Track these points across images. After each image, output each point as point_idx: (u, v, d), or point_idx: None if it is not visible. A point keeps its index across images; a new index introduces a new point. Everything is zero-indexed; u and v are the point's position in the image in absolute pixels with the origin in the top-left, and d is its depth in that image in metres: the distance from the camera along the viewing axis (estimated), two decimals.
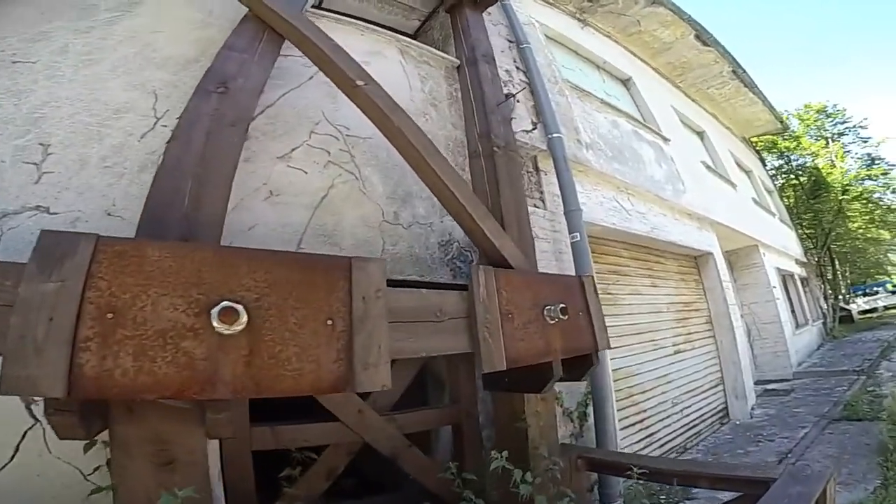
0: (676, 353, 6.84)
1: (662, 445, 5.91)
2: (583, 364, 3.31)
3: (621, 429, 5.32)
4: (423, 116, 3.86)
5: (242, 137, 2.75)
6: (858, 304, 26.78)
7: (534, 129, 5.20)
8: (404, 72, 4.08)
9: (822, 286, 19.57)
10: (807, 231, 20.05)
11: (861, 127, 22.11)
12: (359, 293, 2.13)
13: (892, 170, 21.29)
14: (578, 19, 8.39)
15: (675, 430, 6.21)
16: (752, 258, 11.41)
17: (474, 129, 4.13)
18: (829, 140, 22.10)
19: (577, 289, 3.36)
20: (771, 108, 15.23)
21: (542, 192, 5.11)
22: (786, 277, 14.23)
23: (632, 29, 9.53)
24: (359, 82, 2.98)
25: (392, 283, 2.34)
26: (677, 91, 11.48)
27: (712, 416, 7.25)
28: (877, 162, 21.27)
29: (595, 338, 3.25)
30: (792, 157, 21.62)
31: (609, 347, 3.45)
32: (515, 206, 3.72)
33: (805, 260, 17.36)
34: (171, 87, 3.08)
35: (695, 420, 6.71)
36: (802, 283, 16.32)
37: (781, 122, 17.21)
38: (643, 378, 5.98)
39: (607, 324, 5.46)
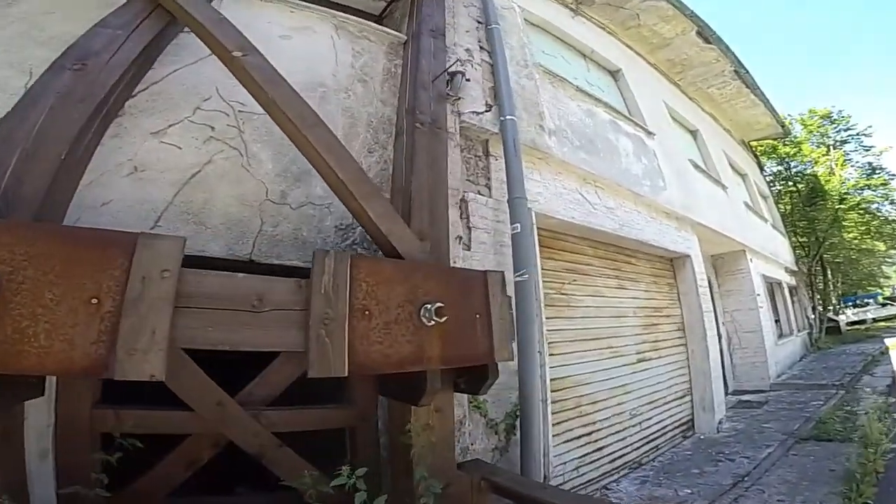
0: (640, 361, 6.36)
1: (613, 461, 5.44)
2: (483, 375, 2.83)
3: (565, 441, 4.90)
4: (345, 92, 3.55)
5: (91, 114, 2.44)
6: (847, 316, 26.38)
7: (487, 111, 4.74)
8: (333, 47, 3.74)
9: (812, 296, 19.06)
10: (800, 239, 19.51)
11: (865, 135, 21.57)
12: (139, 272, 1.86)
13: (892, 180, 20.78)
14: (570, 8, 7.88)
15: (630, 444, 5.74)
16: (738, 264, 10.92)
17: (403, 104, 3.70)
18: (831, 147, 21.49)
19: (479, 287, 2.83)
20: (773, 112, 14.69)
21: (489, 179, 4.62)
22: (773, 285, 13.75)
23: (630, 23, 9.11)
24: (236, 53, 2.70)
25: (266, 268, 2.20)
26: (673, 88, 10.94)
27: (675, 428, 6.78)
28: (877, 171, 20.73)
29: (492, 347, 2.74)
30: (791, 164, 21.07)
31: (510, 359, 2.93)
32: (432, 189, 3.26)
33: (796, 268, 16.84)
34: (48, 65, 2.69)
35: (654, 433, 6.25)
36: (791, 292, 15.82)
37: (783, 126, 16.65)
38: (596, 388, 5.49)
39: (557, 327, 5.15)
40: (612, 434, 5.54)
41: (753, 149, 17.97)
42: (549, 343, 4.85)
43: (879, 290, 29.18)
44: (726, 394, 9.92)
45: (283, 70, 2.81)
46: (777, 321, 13.38)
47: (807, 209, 18.94)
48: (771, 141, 19.61)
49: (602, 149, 6.20)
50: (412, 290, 2.51)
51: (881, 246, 23.05)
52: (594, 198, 5.81)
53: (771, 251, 13.22)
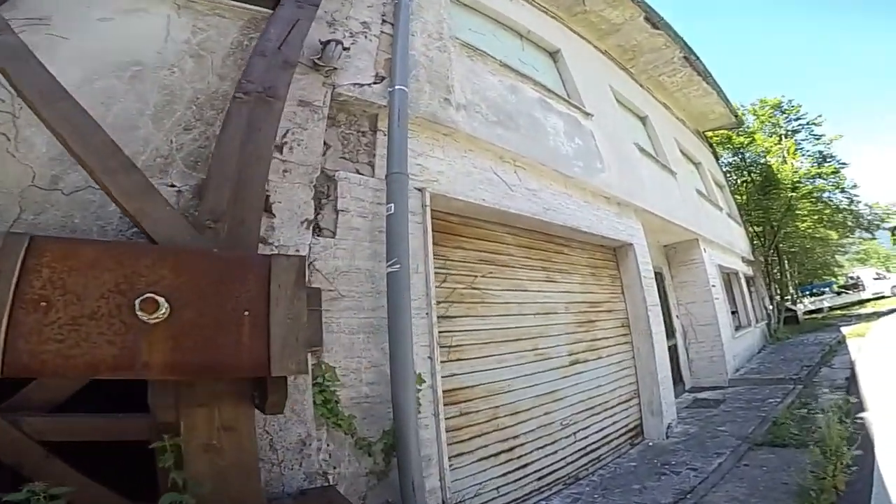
0: (574, 363, 5.61)
1: (542, 478, 4.68)
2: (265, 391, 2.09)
3: (479, 460, 4.17)
4: (168, 69, 3.02)
5: None
6: (805, 305, 26.47)
7: (376, 82, 4.00)
8: (167, 26, 3.18)
9: (769, 286, 18.81)
10: (756, 229, 19.28)
11: (815, 124, 21.44)
12: None
13: (842, 168, 20.74)
14: None
15: (563, 458, 4.99)
16: (691, 253, 10.34)
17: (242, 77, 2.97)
18: (783, 137, 21.34)
19: (253, 277, 2.06)
20: (726, 101, 14.45)
21: (372, 157, 3.84)
22: (730, 276, 13.29)
23: (576, 8, 8.66)
24: None
25: None
26: (624, 74, 10.36)
27: (621, 436, 6.07)
28: (828, 160, 20.65)
29: (269, 354, 1.97)
30: (746, 154, 20.84)
31: (301, 371, 2.15)
32: (243, 164, 2.54)
33: (752, 258, 16.52)
34: None
35: (595, 443, 5.51)
36: (748, 282, 15.43)
37: (736, 115, 16.40)
38: (518, 396, 4.71)
39: (466, 327, 4.32)
40: (540, 448, 4.79)
41: (709, 139, 17.67)
42: (454, 346, 4.18)
43: (834, 279, 29.37)
44: (684, 391, 9.38)
45: (95, 52, 2.68)
46: (734, 313, 12.91)
47: (761, 198, 18.68)
48: (726, 132, 19.44)
49: (525, 126, 5.45)
50: (128, 278, 1.79)
51: (833, 235, 23.01)
52: (512, 178, 5.05)
53: (727, 241, 12.75)
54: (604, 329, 6.35)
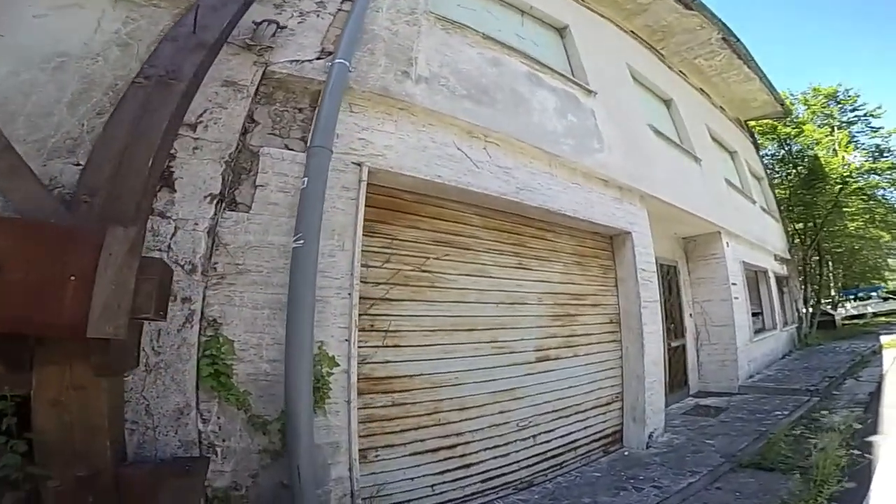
0: (542, 360, 5.18)
1: (488, 479, 4.33)
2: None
3: (413, 454, 3.93)
4: (92, 59, 3.00)
5: None
6: (847, 309, 24.93)
7: (319, 58, 3.78)
8: (99, 18, 3.14)
9: (805, 287, 17.60)
10: (796, 226, 17.98)
11: (873, 115, 19.62)
12: None
13: None
14: None
15: (517, 461, 4.62)
16: (711, 247, 9.62)
17: None
18: (835, 128, 19.68)
19: (83, 246, 2.15)
20: (770, 88, 13.29)
21: (307, 132, 3.57)
22: (757, 274, 12.41)
23: None
24: None
25: None
26: (649, 54, 9.55)
27: (594, 442, 5.63)
28: (885, 154, 18.90)
29: (86, 316, 2.03)
30: (792, 146, 19.36)
31: (121, 336, 2.09)
32: (133, 143, 2.57)
33: (788, 257, 15.43)
34: None
35: (559, 448, 5.11)
36: (780, 282, 14.45)
37: (782, 104, 15.15)
38: (469, 390, 4.35)
39: (410, 312, 4.25)
40: (490, 448, 4.45)
41: (750, 128, 16.50)
42: (392, 332, 3.97)
43: (883, 284, 27.46)
44: (687, 395, 8.83)
45: (26, 47, 2.78)
46: (758, 314, 12.07)
47: (804, 193, 17.34)
48: (771, 121, 18.16)
49: (504, 100, 4.98)
50: None
51: (886, 236, 21.25)
52: (479, 154, 4.61)
53: (757, 236, 11.85)
54: (586, 324, 5.86)
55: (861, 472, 4.48)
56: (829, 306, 22.83)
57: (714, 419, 7.10)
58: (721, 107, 13.13)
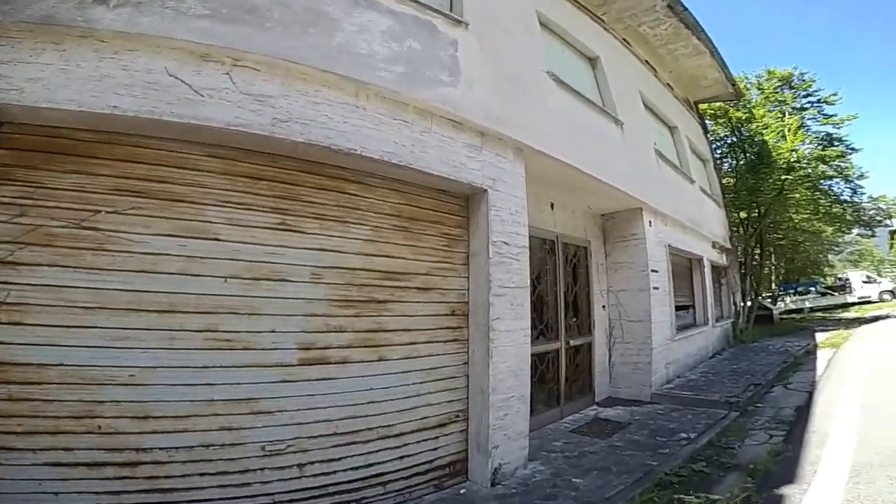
0: (308, 363, 3.34)
1: None
2: None
3: (54, 465, 2.62)
4: None
5: None
6: (786, 303, 24.01)
7: None
8: None
9: (745, 279, 16.15)
10: (740, 214, 16.52)
11: (827, 102, 18.09)
12: None
13: (851, 153, 17.54)
14: None
15: (266, 493, 3.13)
16: (630, 226, 7.77)
17: None
18: (786, 114, 18.12)
19: None
20: (721, 64, 11.74)
21: None
22: (692, 262, 10.73)
23: None
24: None
25: None
26: (581, 15, 7.59)
27: (418, 475, 3.85)
28: (836, 143, 17.47)
29: None
30: (743, 131, 17.74)
31: None
32: None
33: (729, 246, 13.86)
34: None
35: (353, 482, 3.48)
36: (718, 273, 12.89)
37: (734, 84, 13.54)
38: (154, 394, 2.87)
39: (50, 280, 2.67)
40: (212, 474, 2.99)
41: (700, 111, 14.81)
42: (14, 305, 2.62)
43: (822, 279, 26.62)
44: (591, 404, 7.02)
45: None
46: (689, 308, 10.40)
47: (749, 177, 15.84)
48: (723, 105, 16.63)
49: (282, 19, 3.25)
50: None
51: (828, 230, 20.03)
52: (215, 81, 2.99)
53: (692, 218, 10.11)
54: (408, 316, 3.95)
55: None
56: (768, 300, 21.81)
57: (604, 442, 5.29)
58: (668, 84, 11.50)
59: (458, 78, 4.26)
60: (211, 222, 3.08)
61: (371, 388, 3.66)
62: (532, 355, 5.93)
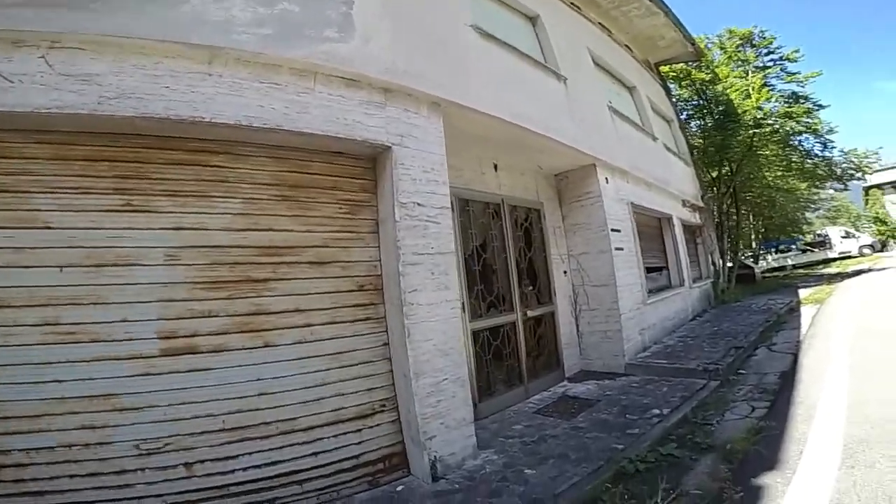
0: (174, 353, 2.86)
1: None
2: None
3: None
4: None
5: None
6: (768, 262, 23.56)
7: None
8: None
9: (722, 238, 15.54)
10: (712, 173, 15.95)
11: (789, 59, 17.52)
12: None
13: (819, 109, 17.00)
14: None
15: (155, 495, 2.75)
16: (585, 185, 7.02)
17: None
18: (749, 73, 17.52)
19: None
20: (677, 24, 11.18)
21: None
22: (661, 222, 10.04)
23: None
24: None
25: None
26: None
27: (343, 472, 3.32)
28: (801, 100, 16.92)
29: None
30: (708, 93, 17.13)
31: None
32: None
33: (702, 204, 13.25)
34: None
35: (257, 482, 3.02)
36: (693, 232, 12.27)
37: (693, 43, 12.97)
38: None
39: None
40: (84, 476, 2.62)
41: (662, 73, 14.18)
42: None
43: (801, 236, 26.18)
44: (561, 380, 6.30)
45: None
46: (662, 269, 9.71)
47: (717, 135, 15.24)
48: (685, 66, 16.08)
49: None
50: None
51: (803, 187, 19.45)
52: (28, 65, 2.51)
53: (657, 177, 9.42)
54: (298, 294, 3.26)
55: None
56: (750, 259, 21.30)
57: (568, 423, 4.55)
58: (627, 45, 10.85)
59: (351, 34, 3.53)
60: (40, 210, 2.64)
61: (260, 378, 3.10)
62: (482, 330, 5.25)
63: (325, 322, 3.28)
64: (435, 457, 3.45)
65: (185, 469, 2.83)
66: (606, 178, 7.06)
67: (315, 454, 3.22)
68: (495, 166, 6.00)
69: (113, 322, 2.70)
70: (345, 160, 3.57)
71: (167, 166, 2.87)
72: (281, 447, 3.11)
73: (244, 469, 3.00)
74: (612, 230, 6.86)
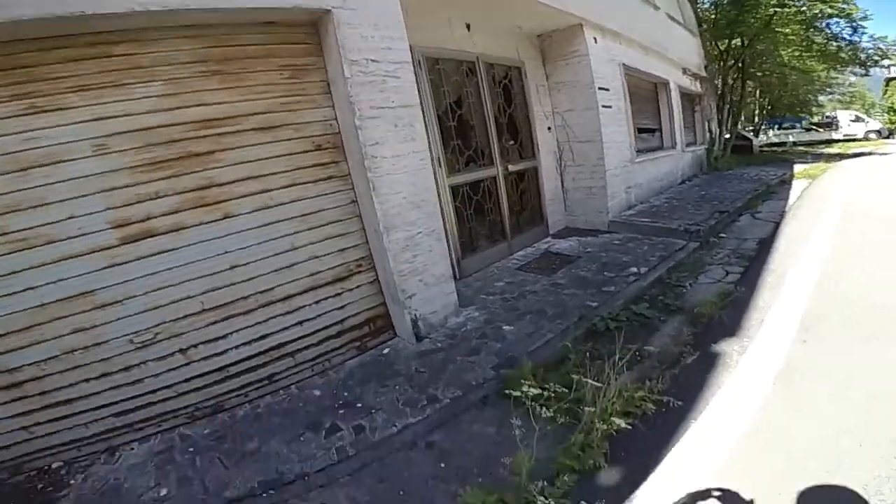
0: (131, 240, 2.70)
1: (120, 414, 2.72)
2: None
3: None
4: None
5: None
6: (768, 136, 22.89)
7: None
8: None
9: (726, 109, 14.92)
10: (720, 45, 14.78)
11: None
12: None
13: None
14: None
15: (169, 385, 2.84)
16: (571, 44, 6.45)
17: None
18: None
19: None
20: None
21: None
22: (657, 86, 9.56)
23: None
24: None
25: None
26: None
27: (331, 339, 3.38)
28: None
29: None
30: None
31: None
32: None
33: (704, 74, 12.55)
34: None
35: (254, 358, 3.08)
36: (692, 100, 11.81)
37: None
38: None
39: None
40: (97, 378, 2.67)
41: None
42: None
43: (808, 116, 25.00)
44: (545, 236, 6.37)
45: None
46: (655, 131, 9.42)
47: (730, 9, 13.83)
48: None
49: None
50: None
51: (820, 68, 17.70)
52: None
53: (654, 41, 8.76)
54: (249, 161, 3.00)
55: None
56: (751, 132, 20.68)
57: (548, 279, 4.63)
58: None
59: None
60: None
61: (227, 251, 2.95)
62: (461, 185, 5.15)
63: (285, 185, 3.13)
64: (416, 315, 3.51)
65: (182, 355, 2.86)
66: (595, 38, 6.51)
67: (300, 323, 3.23)
68: (468, 26, 5.50)
69: (62, 220, 2.54)
70: (280, 28, 3.17)
71: (63, 64, 2.51)
72: (266, 320, 3.10)
73: (236, 347, 3.01)
74: (600, 88, 6.46)
